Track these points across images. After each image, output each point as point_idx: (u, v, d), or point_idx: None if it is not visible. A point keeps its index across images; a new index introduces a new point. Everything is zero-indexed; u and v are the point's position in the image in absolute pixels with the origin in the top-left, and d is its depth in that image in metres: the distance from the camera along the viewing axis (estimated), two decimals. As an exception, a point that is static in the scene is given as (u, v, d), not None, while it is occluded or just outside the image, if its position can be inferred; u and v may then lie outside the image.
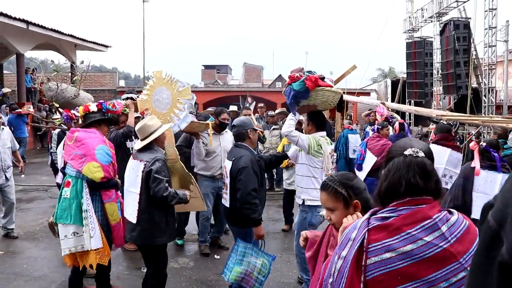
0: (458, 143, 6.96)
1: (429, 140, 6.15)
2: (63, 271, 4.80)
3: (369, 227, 1.56)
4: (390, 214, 1.57)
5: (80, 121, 4.53)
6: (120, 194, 4.23)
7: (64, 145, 4.27)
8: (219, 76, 39.69)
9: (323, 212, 3.39)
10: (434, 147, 5.35)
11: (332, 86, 4.27)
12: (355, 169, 6.75)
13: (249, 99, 10.24)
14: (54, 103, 4.97)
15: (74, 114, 4.59)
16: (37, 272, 5.02)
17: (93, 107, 4.26)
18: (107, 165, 4.03)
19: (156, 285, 3.88)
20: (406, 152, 1.63)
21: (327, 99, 4.19)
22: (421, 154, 1.62)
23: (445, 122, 6.45)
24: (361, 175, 6.63)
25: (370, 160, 6.45)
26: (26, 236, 6.31)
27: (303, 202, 4.27)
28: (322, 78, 4.22)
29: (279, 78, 32.32)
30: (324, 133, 4.43)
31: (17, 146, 6.74)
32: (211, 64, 42.59)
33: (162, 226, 3.77)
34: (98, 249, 3.94)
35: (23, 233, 6.46)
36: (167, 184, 3.68)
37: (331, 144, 4.57)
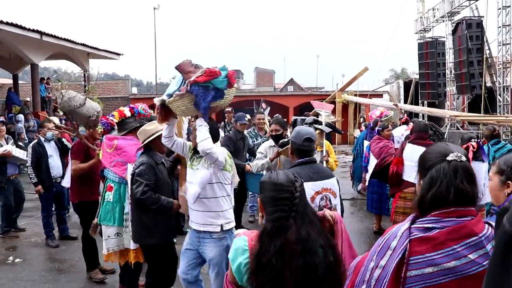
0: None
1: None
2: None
3: (410, 238, 1.51)
4: (433, 225, 1.52)
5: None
6: None
7: (102, 152, 4.49)
8: (230, 81, 39.78)
9: (236, 231, 3.33)
10: (409, 146, 5.55)
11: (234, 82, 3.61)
12: (363, 170, 6.84)
13: (263, 104, 9.48)
14: (59, 111, 5.05)
15: (112, 120, 4.66)
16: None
17: (126, 112, 4.46)
18: (125, 168, 4.19)
19: (151, 284, 3.96)
20: (449, 158, 1.57)
21: (230, 97, 3.52)
22: (464, 158, 1.58)
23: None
24: (367, 177, 6.73)
25: (372, 162, 6.56)
26: (43, 244, 6.39)
27: (221, 229, 3.56)
28: None
29: (291, 81, 32.34)
30: (218, 143, 3.77)
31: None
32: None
33: (150, 227, 3.84)
34: (136, 249, 4.16)
35: (40, 240, 6.56)
36: (146, 188, 3.72)
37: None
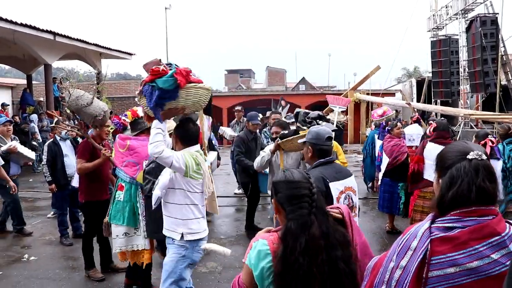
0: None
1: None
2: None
3: (431, 237, 1.49)
4: (454, 225, 1.49)
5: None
6: None
7: (114, 151, 4.56)
8: (242, 80, 39.84)
9: (205, 245, 3.30)
10: (430, 145, 5.58)
11: (201, 81, 3.32)
12: (376, 169, 6.82)
13: (283, 102, 9.15)
14: (66, 109, 5.08)
15: (125, 120, 4.69)
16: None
17: (139, 112, 4.45)
18: (135, 168, 4.24)
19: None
20: (470, 156, 1.54)
21: (199, 99, 3.26)
22: (484, 156, 1.55)
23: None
24: (380, 176, 6.70)
25: (385, 161, 6.58)
26: (57, 242, 6.45)
27: (182, 237, 3.38)
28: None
29: (303, 80, 32.25)
30: (197, 147, 3.47)
31: (1, 162, 6.13)
32: (234, 68, 42.78)
33: (160, 223, 3.84)
34: (148, 249, 4.32)
35: (54, 238, 6.63)
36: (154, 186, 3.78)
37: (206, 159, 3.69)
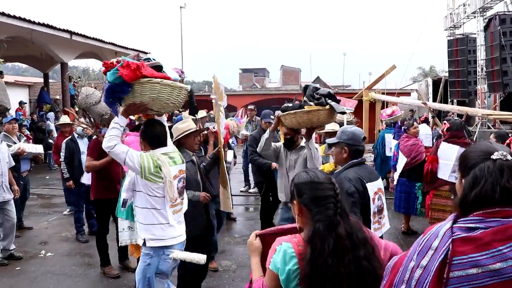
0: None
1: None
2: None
3: (453, 237, 1.46)
4: (477, 225, 1.47)
5: None
6: None
7: None
8: (256, 79, 39.87)
9: (178, 254, 3.18)
10: (444, 145, 5.74)
11: (167, 78, 3.11)
12: (392, 169, 6.74)
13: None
14: (76, 107, 5.09)
15: (130, 119, 4.71)
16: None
17: None
18: None
19: (182, 275, 4.20)
20: (494, 156, 1.51)
21: (158, 95, 3.02)
22: (509, 157, 1.52)
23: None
24: (396, 176, 6.61)
25: (401, 161, 6.52)
26: (73, 239, 6.52)
27: (144, 243, 3.23)
28: (158, 67, 3.19)
29: (317, 80, 32.10)
30: (165, 149, 3.29)
31: (13, 163, 6.03)
32: (248, 67, 42.79)
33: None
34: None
35: (70, 235, 6.71)
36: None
37: (183, 161, 3.47)
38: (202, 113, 7.22)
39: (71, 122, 6.85)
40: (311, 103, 3.96)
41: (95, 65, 19.61)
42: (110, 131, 3.07)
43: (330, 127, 6.00)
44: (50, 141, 13.20)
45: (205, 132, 4.96)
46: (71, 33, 15.84)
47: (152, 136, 3.26)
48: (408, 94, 24.27)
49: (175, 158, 3.28)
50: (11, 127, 6.79)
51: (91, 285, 4.91)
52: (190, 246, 4.04)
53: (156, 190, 3.12)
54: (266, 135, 4.41)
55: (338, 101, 4.07)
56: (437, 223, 5.01)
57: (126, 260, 5.26)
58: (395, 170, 6.71)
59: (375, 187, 3.06)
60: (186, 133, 4.09)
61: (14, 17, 13.36)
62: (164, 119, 3.49)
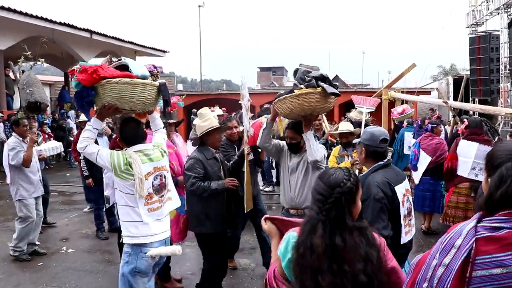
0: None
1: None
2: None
3: (477, 236, 1.44)
4: (501, 225, 1.44)
5: None
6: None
7: None
8: (275, 78, 39.80)
9: (153, 251, 3.15)
10: (463, 142, 5.78)
11: (134, 77, 3.08)
12: (411, 169, 6.65)
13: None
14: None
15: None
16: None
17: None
18: None
19: (205, 270, 4.25)
20: None
21: (121, 94, 3.00)
22: None
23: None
24: (417, 175, 6.50)
25: (424, 160, 6.45)
26: (93, 236, 6.60)
27: (122, 239, 3.29)
28: (123, 66, 3.18)
29: (336, 78, 31.88)
30: (140, 146, 3.28)
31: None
32: (266, 66, 42.71)
33: (201, 218, 4.09)
34: None
35: (91, 232, 6.79)
36: (194, 180, 3.96)
37: (164, 155, 3.39)
38: (218, 111, 7.18)
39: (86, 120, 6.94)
40: (301, 86, 3.60)
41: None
42: (84, 133, 3.16)
43: (344, 127, 5.50)
44: (71, 138, 13.37)
45: (237, 130, 4.90)
46: (91, 32, 16.06)
47: (127, 134, 3.31)
48: (428, 92, 23.94)
49: (151, 155, 3.25)
50: (24, 129, 6.88)
51: (111, 281, 4.95)
52: (211, 241, 4.18)
53: (129, 188, 3.13)
54: (263, 126, 4.14)
55: (335, 86, 3.65)
56: (453, 220, 4.92)
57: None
58: (415, 169, 6.60)
59: (403, 189, 2.99)
60: (207, 130, 4.11)
61: (37, 17, 13.60)
62: (155, 116, 3.55)
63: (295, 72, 3.88)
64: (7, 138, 13.28)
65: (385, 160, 3.10)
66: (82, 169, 6.69)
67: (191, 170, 4.02)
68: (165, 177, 3.33)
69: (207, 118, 4.22)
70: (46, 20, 13.96)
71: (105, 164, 3.12)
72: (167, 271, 4.74)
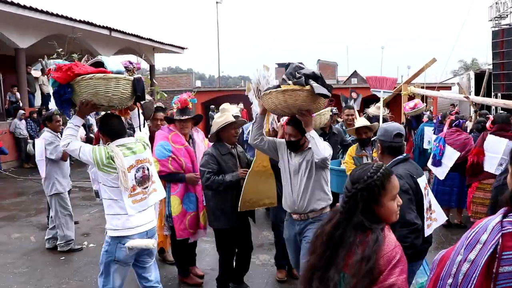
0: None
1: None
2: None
3: (503, 231, 1.41)
4: None
5: None
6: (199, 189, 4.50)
7: None
8: (292, 74, 39.58)
9: (130, 243, 3.21)
10: (491, 138, 5.72)
11: (109, 72, 3.12)
12: (431, 165, 6.55)
13: (354, 94, 7.87)
14: None
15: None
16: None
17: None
18: (163, 160, 4.35)
19: (221, 264, 4.33)
20: None
21: (96, 90, 3.05)
22: None
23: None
24: (441, 170, 6.43)
25: (451, 155, 6.36)
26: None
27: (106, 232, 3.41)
28: (98, 63, 3.25)
29: (355, 74, 31.62)
30: (122, 140, 3.32)
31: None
32: (284, 62, 42.57)
33: (216, 213, 4.13)
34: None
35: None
36: (208, 175, 4.01)
37: (146, 148, 3.45)
38: (234, 109, 7.09)
39: None
40: (289, 82, 3.41)
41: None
42: (66, 131, 3.25)
43: (360, 122, 5.16)
44: (91, 135, 13.54)
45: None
46: (110, 29, 16.21)
47: (108, 128, 3.38)
48: (448, 88, 23.59)
49: (134, 149, 3.32)
50: (57, 124, 6.99)
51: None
52: (227, 236, 4.21)
53: (112, 181, 3.21)
54: (255, 119, 3.87)
55: (328, 87, 3.39)
56: (479, 217, 4.88)
57: (165, 253, 5.33)
58: (439, 164, 6.49)
59: (423, 182, 2.99)
60: (222, 126, 4.12)
61: (57, 15, 13.78)
62: (136, 112, 3.59)
63: (286, 67, 3.67)
64: (30, 135, 13.60)
65: (403, 155, 3.09)
66: None
67: (205, 166, 4.07)
68: (148, 169, 3.40)
69: (223, 114, 4.25)
70: (66, 18, 14.14)
71: (88, 160, 3.20)
72: (185, 267, 4.78)
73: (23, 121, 13.57)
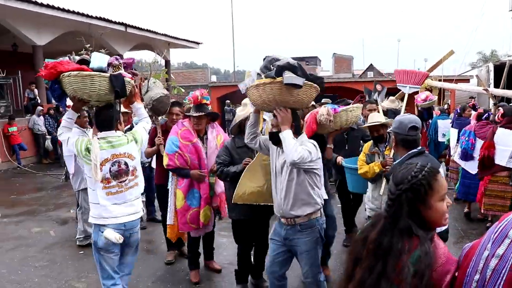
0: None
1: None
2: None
3: None
4: None
5: None
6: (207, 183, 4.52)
7: None
8: (308, 68, 39.30)
9: (104, 232, 3.34)
10: (501, 131, 5.72)
11: (86, 69, 3.29)
12: (460, 159, 6.41)
13: (379, 86, 7.36)
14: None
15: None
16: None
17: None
18: (171, 154, 4.42)
19: (238, 256, 4.36)
20: None
21: (74, 86, 3.26)
22: None
23: None
24: (475, 165, 6.19)
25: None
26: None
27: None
28: (83, 60, 3.40)
29: (370, 67, 31.29)
30: (111, 133, 3.44)
31: None
32: (299, 56, 42.27)
33: (231, 203, 4.14)
34: (170, 225, 4.64)
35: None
36: (218, 166, 4.10)
37: (130, 143, 3.51)
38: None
39: (128, 111, 7.01)
40: (263, 76, 3.23)
41: (146, 56, 20.07)
42: (61, 123, 3.53)
43: (373, 119, 4.75)
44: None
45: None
46: (126, 25, 16.31)
47: (96, 120, 3.54)
48: (467, 80, 23.24)
49: (114, 142, 3.42)
50: (85, 120, 7.08)
51: (151, 270, 5.05)
52: (241, 227, 4.23)
53: (90, 172, 3.37)
54: (248, 115, 3.76)
55: (310, 76, 3.19)
56: (496, 209, 4.84)
57: (183, 246, 5.35)
58: (471, 159, 6.30)
59: None
60: (243, 119, 4.12)
61: (73, 12, 13.90)
62: (137, 106, 3.77)
63: (264, 60, 3.45)
64: (48, 131, 13.79)
65: (418, 148, 3.04)
66: None
67: (219, 157, 4.16)
68: (125, 163, 3.47)
69: (245, 108, 4.26)
70: (82, 15, 14.26)
71: (73, 150, 3.44)
72: (195, 261, 4.82)
73: (41, 117, 13.76)
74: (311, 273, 3.46)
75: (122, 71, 3.47)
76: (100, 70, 3.35)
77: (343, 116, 4.26)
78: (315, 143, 3.36)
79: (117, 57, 3.57)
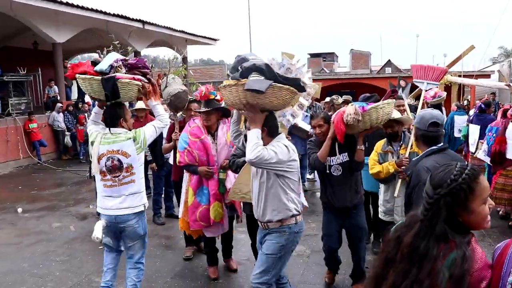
0: None
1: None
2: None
3: None
4: None
5: None
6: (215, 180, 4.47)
7: None
8: (325, 64, 38.96)
9: (97, 224, 3.80)
10: None
11: (89, 73, 3.54)
12: (486, 156, 6.38)
13: (402, 82, 6.99)
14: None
15: None
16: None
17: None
18: (181, 151, 4.48)
19: (252, 245, 4.41)
20: None
21: (83, 86, 3.65)
22: None
23: None
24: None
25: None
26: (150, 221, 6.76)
27: None
28: (93, 62, 3.67)
29: (388, 63, 30.86)
30: (113, 130, 3.60)
31: None
32: (316, 52, 41.96)
33: None
34: (180, 218, 4.70)
35: (148, 217, 6.93)
36: (231, 157, 4.07)
37: (127, 140, 3.53)
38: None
39: (146, 108, 7.06)
40: (229, 77, 3.17)
41: (164, 53, 20.14)
42: (90, 117, 3.85)
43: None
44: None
45: None
46: (144, 22, 16.40)
47: (104, 116, 3.72)
48: (487, 76, 22.81)
49: (111, 138, 3.58)
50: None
51: (169, 265, 5.08)
52: (252, 222, 4.12)
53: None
54: (235, 117, 3.66)
55: (279, 79, 3.03)
56: (498, 203, 4.75)
57: (201, 242, 5.36)
58: None
59: None
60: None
61: (92, 9, 14.03)
62: (153, 103, 3.79)
63: (235, 59, 3.40)
64: (67, 127, 13.96)
65: (439, 145, 2.95)
66: (146, 154, 6.81)
67: (235, 150, 4.10)
68: (118, 160, 3.57)
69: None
70: (100, 12, 14.37)
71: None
72: (213, 257, 4.81)
73: (61, 114, 13.92)
74: (258, 278, 3.19)
75: (121, 73, 3.56)
76: (101, 72, 3.53)
77: (373, 114, 3.85)
78: (291, 145, 3.22)
79: (118, 59, 3.65)
